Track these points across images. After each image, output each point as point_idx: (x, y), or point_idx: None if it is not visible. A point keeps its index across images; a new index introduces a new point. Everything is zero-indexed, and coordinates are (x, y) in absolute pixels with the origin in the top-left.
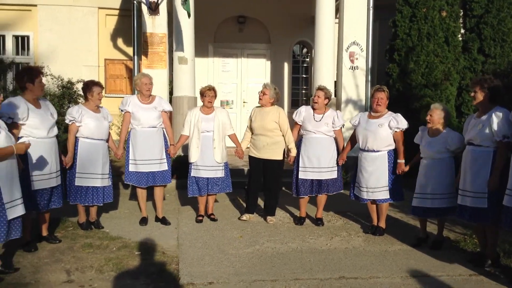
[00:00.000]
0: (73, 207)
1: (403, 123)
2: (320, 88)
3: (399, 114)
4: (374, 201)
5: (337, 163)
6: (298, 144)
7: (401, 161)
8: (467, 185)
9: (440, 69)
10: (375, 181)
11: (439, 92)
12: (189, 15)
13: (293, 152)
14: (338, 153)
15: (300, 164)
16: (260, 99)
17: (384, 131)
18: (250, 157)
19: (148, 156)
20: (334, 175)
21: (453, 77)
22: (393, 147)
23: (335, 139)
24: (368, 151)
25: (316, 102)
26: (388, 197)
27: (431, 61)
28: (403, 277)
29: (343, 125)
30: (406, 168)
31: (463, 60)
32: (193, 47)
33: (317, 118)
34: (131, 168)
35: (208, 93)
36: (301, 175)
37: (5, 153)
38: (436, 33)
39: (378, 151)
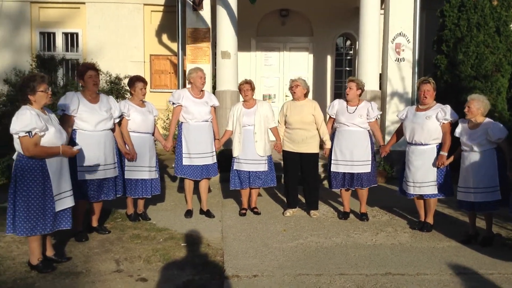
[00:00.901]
0: (121, 199)
1: (450, 115)
2: (352, 80)
3: (448, 106)
4: (421, 196)
5: (374, 157)
6: (332, 137)
7: (444, 153)
8: None
9: (490, 60)
10: (423, 175)
11: (489, 84)
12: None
13: (328, 145)
14: (373, 146)
15: (332, 157)
16: (294, 92)
17: (432, 123)
18: (286, 152)
19: (202, 150)
20: (367, 169)
21: (504, 69)
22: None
23: (369, 132)
24: (415, 144)
25: (348, 94)
26: (436, 192)
27: (481, 52)
28: (452, 274)
29: (379, 117)
30: (447, 162)
31: None
32: (236, 41)
33: (351, 110)
34: (185, 161)
35: (242, 87)
36: (333, 168)
37: (51, 152)
38: (486, 23)
39: (426, 144)
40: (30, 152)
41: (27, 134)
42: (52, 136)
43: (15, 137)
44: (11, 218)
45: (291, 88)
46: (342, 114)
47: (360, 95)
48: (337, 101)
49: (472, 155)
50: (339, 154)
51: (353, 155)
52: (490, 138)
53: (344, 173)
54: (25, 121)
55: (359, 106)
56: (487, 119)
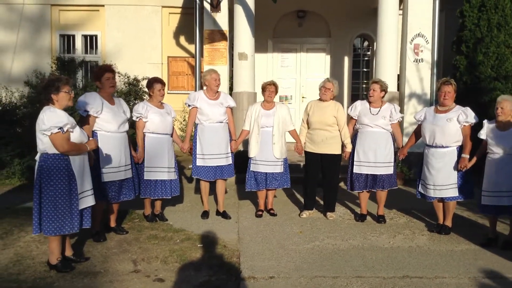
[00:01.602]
0: (139, 200)
1: (472, 117)
2: (375, 81)
3: (468, 108)
4: (441, 199)
5: (394, 158)
6: (353, 138)
7: (466, 156)
8: None
9: (511, 61)
10: (444, 178)
11: (510, 85)
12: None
13: (349, 148)
14: (394, 147)
15: (355, 158)
16: (324, 93)
17: (453, 126)
18: (307, 153)
19: (215, 151)
20: (390, 170)
21: None
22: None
23: (391, 134)
24: (436, 147)
25: (371, 96)
26: (457, 194)
27: (502, 53)
28: (471, 278)
29: (401, 119)
30: (470, 164)
31: None
32: (253, 42)
33: (374, 111)
34: (199, 162)
35: (268, 87)
36: (356, 170)
37: (82, 149)
38: (507, 23)
39: (447, 146)
40: (65, 148)
41: (60, 130)
42: (78, 135)
43: (46, 134)
44: (37, 219)
45: (323, 87)
46: (365, 115)
47: (383, 96)
48: (359, 102)
49: (504, 158)
50: (362, 156)
51: (377, 157)
52: None
53: (367, 174)
54: (57, 117)
55: (382, 108)
56: None
